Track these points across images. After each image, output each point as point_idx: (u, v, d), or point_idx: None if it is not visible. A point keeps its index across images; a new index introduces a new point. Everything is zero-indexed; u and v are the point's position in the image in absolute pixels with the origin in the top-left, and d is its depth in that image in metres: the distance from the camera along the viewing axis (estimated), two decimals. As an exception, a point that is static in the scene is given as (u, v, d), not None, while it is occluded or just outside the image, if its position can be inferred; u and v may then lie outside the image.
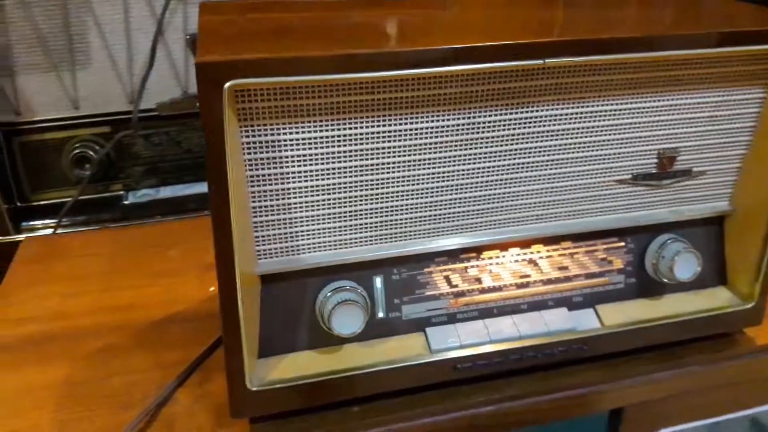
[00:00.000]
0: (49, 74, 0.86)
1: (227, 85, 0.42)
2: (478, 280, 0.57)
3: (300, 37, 0.50)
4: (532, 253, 0.58)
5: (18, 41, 0.83)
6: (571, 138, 0.53)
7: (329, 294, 0.53)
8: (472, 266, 0.57)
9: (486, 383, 0.58)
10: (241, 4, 0.59)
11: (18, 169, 0.89)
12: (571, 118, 0.52)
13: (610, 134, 0.54)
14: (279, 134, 0.47)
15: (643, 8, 0.61)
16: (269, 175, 0.48)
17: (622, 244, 0.59)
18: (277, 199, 0.49)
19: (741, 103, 0.56)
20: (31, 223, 0.90)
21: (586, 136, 0.53)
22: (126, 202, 0.92)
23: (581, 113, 0.52)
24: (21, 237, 0.88)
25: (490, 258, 0.57)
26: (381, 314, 0.56)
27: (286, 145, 0.47)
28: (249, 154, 0.47)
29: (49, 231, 0.89)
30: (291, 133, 0.47)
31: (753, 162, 0.58)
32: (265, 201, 0.49)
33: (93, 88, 0.88)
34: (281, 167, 0.48)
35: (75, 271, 0.73)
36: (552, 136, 0.53)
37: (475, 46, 0.46)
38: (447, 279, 0.57)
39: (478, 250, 0.56)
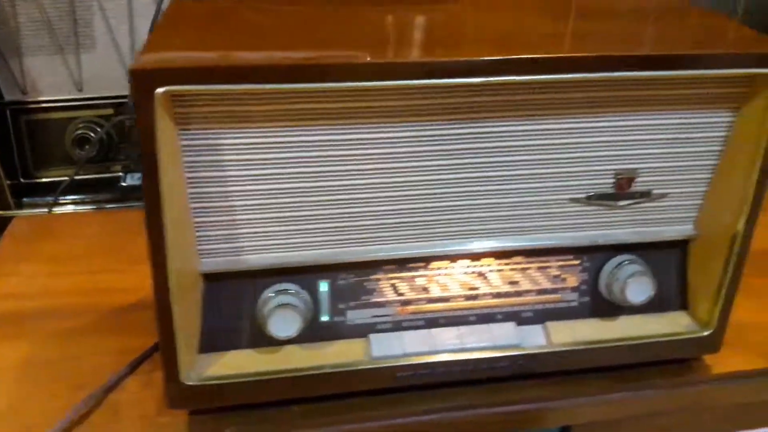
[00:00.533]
0: (54, 56, 0.89)
1: (158, 91, 0.43)
2: (426, 290, 0.57)
3: (256, 41, 0.51)
4: (482, 266, 0.58)
5: (25, 24, 0.86)
6: (523, 155, 0.52)
7: (271, 295, 0.54)
8: (420, 276, 0.57)
9: (432, 392, 0.58)
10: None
11: (24, 146, 0.93)
12: (523, 135, 0.52)
13: (564, 153, 0.53)
14: (220, 139, 0.48)
15: (621, 21, 0.59)
16: (210, 177, 0.49)
17: (577, 262, 0.59)
18: (219, 201, 0.50)
19: (707, 126, 0.54)
20: (33, 199, 0.94)
21: (538, 154, 0.53)
22: (124, 184, 0.95)
23: (534, 130, 0.52)
24: (21, 212, 0.92)
25: (439, 268, 0.57)
26: (325, 318, 0.56)
27: (227, 150, 0.48)
28: (188, 156, 0.48)
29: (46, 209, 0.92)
30: (233, 138, 0.48)
31: (718, 186, 0.56)
32: (206, 202, 0.50)
33: (96, 71, 0.90)
34: (222, 170, 0.49)
35: (61, 251, 0.76)
36: (503, 152, 0.52)
37: (416, 62, 0.46)
38: (394, 287, 0.57)
39: (426, 260, 0.57)
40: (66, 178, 0.92)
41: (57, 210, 0.92)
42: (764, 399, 0.64)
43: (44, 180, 0.95)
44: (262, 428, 0.56)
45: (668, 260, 0.60)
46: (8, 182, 0.92)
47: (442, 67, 0.46)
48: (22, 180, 0.94)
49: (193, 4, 0.58)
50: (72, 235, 0.79)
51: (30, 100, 0.91)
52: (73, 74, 0.90)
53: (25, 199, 0.94)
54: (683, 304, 0.61)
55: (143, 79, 0.43)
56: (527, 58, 0.48)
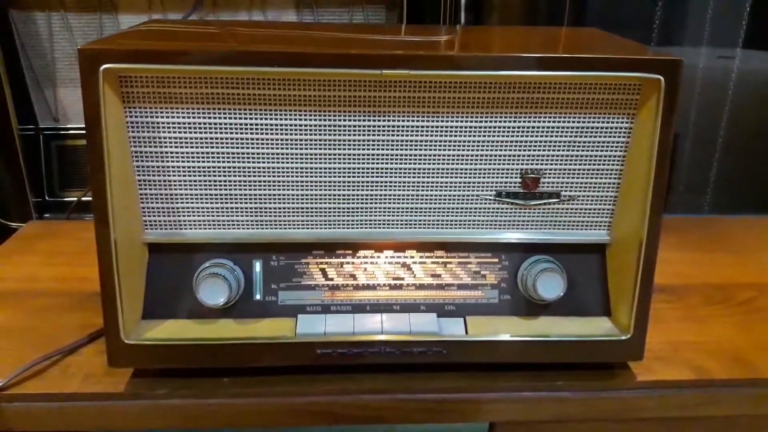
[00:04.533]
0: (84, 88, 1.01)
1: (102, 68, 0.52)
2: (353, 277, 0.62)
3: (195, 39, 0.59)
4: (405, 257, 0.62)
5: (60, 58, 0.99)
6: (429, 150, 0.58)
7: (207, 266, 0.60)
8: (348, 262, 0.62)
9: (349, 375, 0.62)
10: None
11: (52, 168, 1.04)
12: (427, 131, 0.57)
13: (470, 150, 0.58)
14: (158, 117, 0.55)
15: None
16: (151, 152, 0.57)
17: (496, 260, 0.62)
18: (160, 175, 0.57)
19: (605, 132, 0.58)
20: (55, 215, 1.04)
21: (443, 150, 0.58)
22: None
23: (438, 127, 0.57)
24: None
25: (365, 257, 0.62)
26: (258, 296, 0.61)
27: (164, 127, 0.56)
28: (132, 132, 0.56)
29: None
30: (168, 117, 0.56)
31: (625, 192, 0.60)
32: (148, 176, 0.57)
33: (120, 104, 1.02)
34: (161, 146, 0.56)
35: (54, 248, 0.85)
36: (410, 145, 0.58)
37: (313, 53, 0.53)
38: (323, 272, 0.62)
39: (353, 247, 0.61)
40: (88, 198, 1.02)
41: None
42: (695, 415, 0.64)
43: (67, 199, 1.05)
44: (192, 393, 0.60)
45: (587, 265, 0.62)
46: (34, 199, 1.02)
47: (348, 59, 0.53)
48: (47, 198, 1.04)
49: (164, 21, 0.68)
50: (71, 237, 0.88)
51: (60, 126, 1.02)
52: (100, 105, 1.02)
53: (46, 215, 1.04)
54: (606, 311, 0.63)
55: (89, 57, 0.51)
56: (424, 55, 0.54)
